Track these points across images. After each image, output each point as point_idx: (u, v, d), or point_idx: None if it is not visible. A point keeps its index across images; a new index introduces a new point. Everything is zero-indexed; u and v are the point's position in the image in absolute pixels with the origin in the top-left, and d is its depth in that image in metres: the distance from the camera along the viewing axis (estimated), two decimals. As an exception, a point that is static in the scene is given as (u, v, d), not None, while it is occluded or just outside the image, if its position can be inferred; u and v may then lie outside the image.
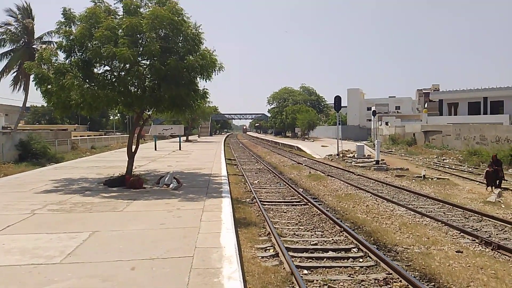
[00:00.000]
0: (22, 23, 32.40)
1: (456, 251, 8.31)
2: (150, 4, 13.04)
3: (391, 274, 7.08)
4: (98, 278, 5.18)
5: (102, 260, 5.86)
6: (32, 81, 13.01)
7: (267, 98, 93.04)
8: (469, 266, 7.51)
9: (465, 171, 22.85)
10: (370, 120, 60.09)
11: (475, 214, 11.61)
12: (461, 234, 9.63)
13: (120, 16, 13.06)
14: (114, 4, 13.29)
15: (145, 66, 13.09)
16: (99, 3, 13.06)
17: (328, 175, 20.49)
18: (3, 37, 31.91)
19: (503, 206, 12.84)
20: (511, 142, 26.99)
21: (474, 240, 9.09)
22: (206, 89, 14.13)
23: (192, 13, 13.50)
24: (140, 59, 12.80)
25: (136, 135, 15.24)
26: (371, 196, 14.61)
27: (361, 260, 7.90)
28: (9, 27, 32.27)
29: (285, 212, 12.27)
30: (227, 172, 18.29)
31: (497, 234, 9.67)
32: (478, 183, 18.16)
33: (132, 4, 12.85)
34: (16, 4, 32.89)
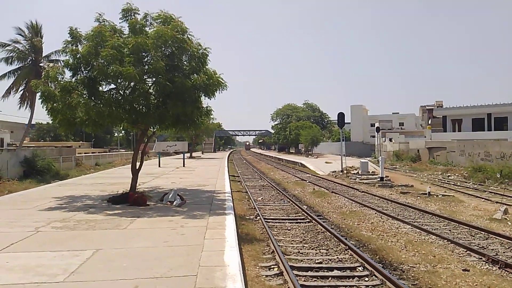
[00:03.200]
0: (30, 41, 32.90)
1: (463, 270, 8.21)
2: (155, 24, 13.25)
3: (397, 293, 6.98)
4: (101, 297, 5.14)
5: (105, 278, 5.83)
6: (39, 99, 13.15)
7: (271, 114, 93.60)
8: (476, 285, 7.41)
9: (470, 187, 22.69)
10: (373, 136, 60.12)
11: (481, 232, 11.48)
12: (468, 252, 9.51)
13: (125, 35, 13.27)
14: (119, 23, 13.55)
15: (150, 84, 13.23)
16: (103, 22, 13.29)
17: (332, 192, 20.39)
18: (11, 55, 32.38)
19: (509, 223, 12.71)
20: (516, 158, 26.85)
21: (481, 258, 8.98)
22: (210, 106, 14.33)
23: (194, 26, 13.74)
24: (145, 77, 12.96)
25: (140, 151, 15.29)
26: (376, 213, 14.50)
27: (366, 279, 7.80)
28: (17, 45, 32.77)
29: (289, 230, 12.18)
30: (231, 189, 18.26)
31: (504, 252, 9.54)
32: (483, 199, 18.01)
33: (137, 23, 13.08)
34: (25, 22, 33.47)
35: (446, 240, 10.49)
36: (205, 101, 14.04)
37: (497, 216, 13.52)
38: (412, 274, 8.07)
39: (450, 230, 11.88)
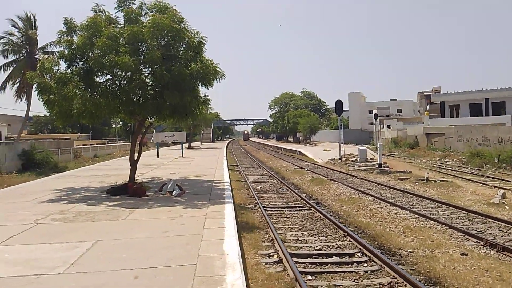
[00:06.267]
0: (25, 33, 32.64)
1: (461, 254, 8.27)
2: (150, 13, 13.11)
3: (395, 278, 7.03)
4: (102, 288, 5.16)
5: (105, 269, 5.85)
6: (34, 91, 13.09)
7: (269, 103, 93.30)
8: (474, 268, 7.46)
9: (468, 172, 22.76)
10: (371, 123, 60.12)
11: (479, 216, 11.54)
12: (466, 236, 9.57)
13: (121, 25, 13.16)
14: (115, 13, 13.42)
15: (147, 74, 13.14)
16: (99, 13, 13.16)
17: (331, 179, 20.44)
18: (6, 47, 32.16)
19: (507, 208, 12.77)
20: (514, 143, 26.88)
21: (479, 243, 9.03)
22: (207, 95, 14.25)
23: (188, 18, 13.44)
24: (142, 67, 12.86)
25: (138, 142, 15.25)
26: (374, 199, 14.55)
27: (365, 264, 7.85)
28: (11, 38, 32.51)
29: (288, 218, 12.23)
30: (230, 178, 18.28)
31: (501, 236, 9.60)
32: (481, 184, 18.08)
33: (133, 12, 12.95)
34: (18, 16, 33.13)
35: (444, 225, 10.55)
36: (203, 91, 13.99)
37: (495, 200, 13.58)
38: (411, 259, 8.13)
39: (448, 215, 11.94)
